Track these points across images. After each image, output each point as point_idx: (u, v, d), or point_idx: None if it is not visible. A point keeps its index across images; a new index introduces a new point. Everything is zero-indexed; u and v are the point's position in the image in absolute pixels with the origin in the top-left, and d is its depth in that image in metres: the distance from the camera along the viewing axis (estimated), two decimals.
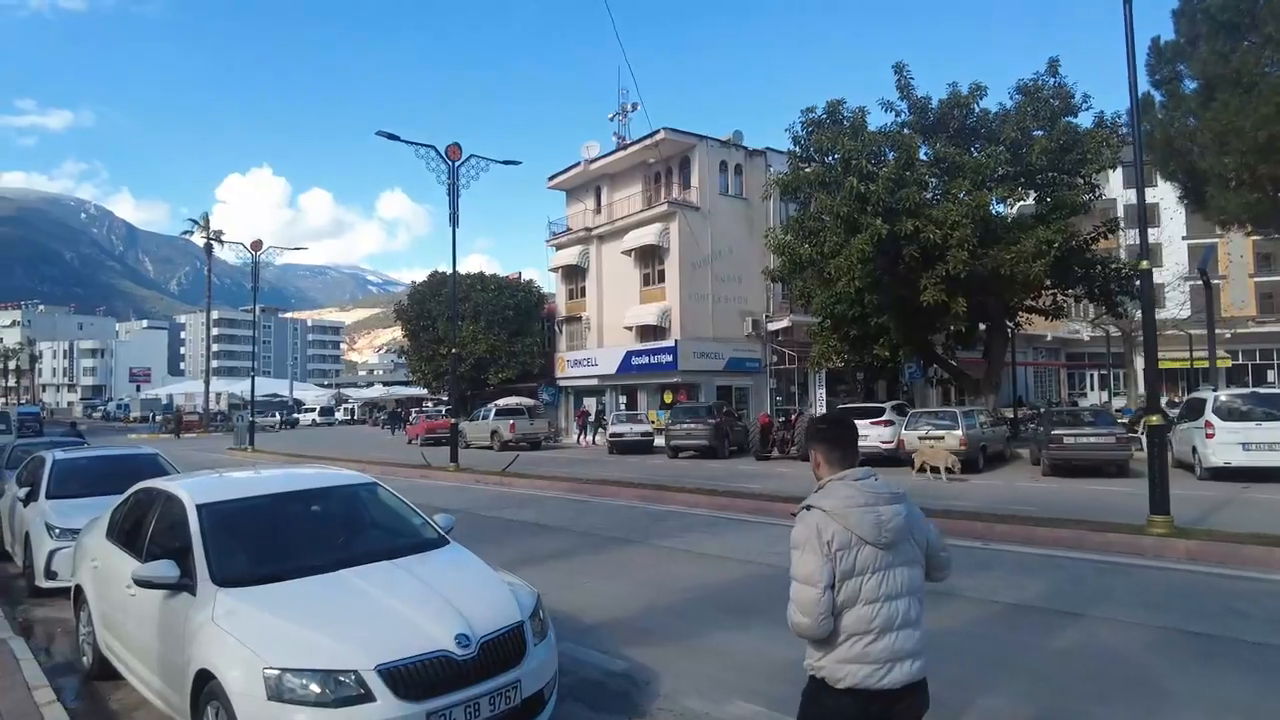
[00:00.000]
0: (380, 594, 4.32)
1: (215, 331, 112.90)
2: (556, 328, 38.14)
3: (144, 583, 4.43)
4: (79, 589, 6.06)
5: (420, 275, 40.79)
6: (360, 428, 63.07)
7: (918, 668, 2.70)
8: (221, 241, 58.33)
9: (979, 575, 8.21)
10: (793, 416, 24.44)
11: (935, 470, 17.08)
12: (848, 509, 2.67)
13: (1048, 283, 22.57)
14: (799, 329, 31.64)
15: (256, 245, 32.82)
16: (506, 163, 22.77)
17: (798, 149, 23.43)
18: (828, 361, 25.60)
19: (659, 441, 27.69)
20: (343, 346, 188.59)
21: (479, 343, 36.19)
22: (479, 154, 21.95)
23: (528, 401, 34.28)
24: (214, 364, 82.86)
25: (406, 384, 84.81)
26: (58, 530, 8.15)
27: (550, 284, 39.88)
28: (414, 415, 43.27)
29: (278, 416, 61.24)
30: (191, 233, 59.19)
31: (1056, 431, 17.64)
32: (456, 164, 21.35)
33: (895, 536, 2.69)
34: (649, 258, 33.25)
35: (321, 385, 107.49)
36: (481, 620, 4.19)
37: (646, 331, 32.69)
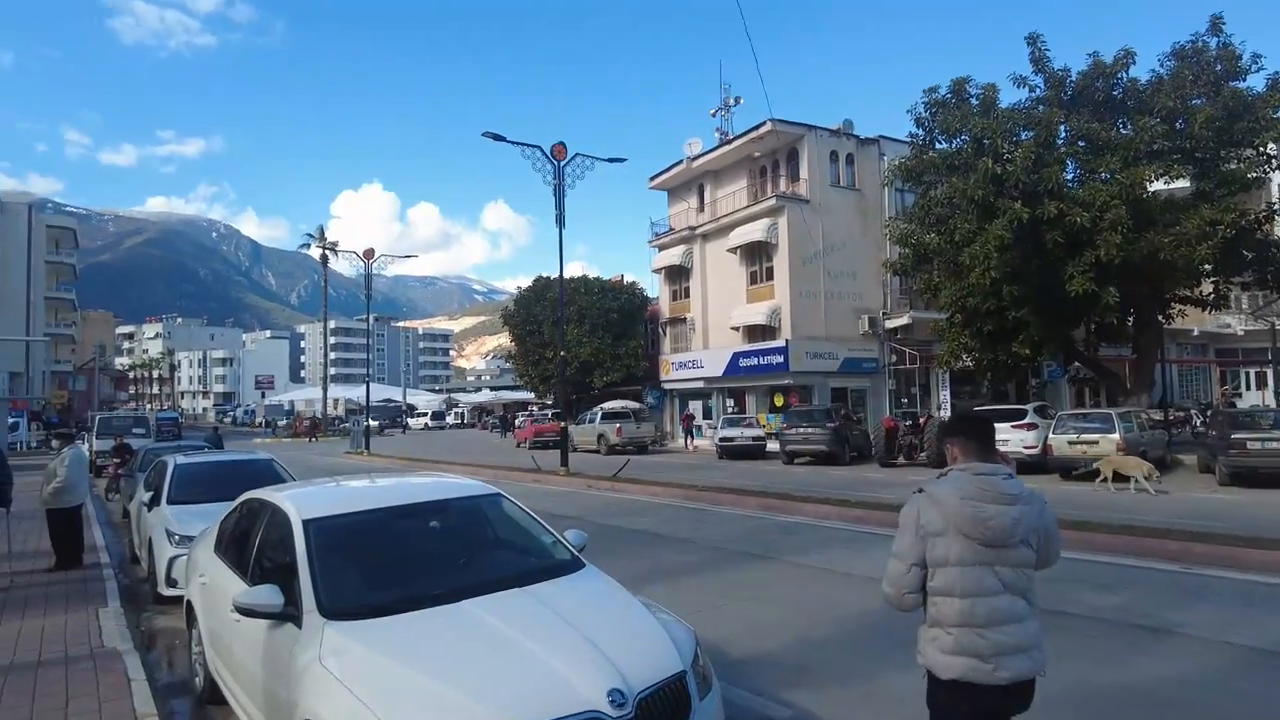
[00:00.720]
0: (514, 633, 3.57)
1: (332, 340, 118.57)
2: (660, 330, 37.45)
3: (245, 611, 3.85)
4: (189, 604, 5.65)
5: (523, 283, 40.90)
6: (470, 431, 64.40)
7: (1030, 666, 2.69)
8: (336, 252, 60.82)
9: (1195, 607, 6.89)
10: (921, 420, 22.76)
11: (1124, 480, 15.20)
12: (951, 499, 2.69)
13: (1208, 269, 20.14)
14: (920, 326, 29.78)
15: (369, 254, 33.65)
16: (612, 160, 22.24)
17: (921, 131, 21.87)
18: (956, 361, 23.79)
19: (771, 446, 26.57)
20: (451, 353, 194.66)
21: (584, 346, 35.90)
22: (584, 153, 21.51)
23: (633, 405, 33.74)
24: (331, 371, 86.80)
25: (513, 388, 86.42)
26: (177, 537, 7.93)
27: (653, 286, 39.29)
28: (521, 419, 43.52)
29: (387, 421, 63.12)
30: (309, 245, 61.94)
31: (1238, 435, 15.51)
32: (562, 164, 20.97)
33: (997, 535, 2.66)
34: (756, 255, 32.10)
35: (432, 391, 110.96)
36: (635, 670, 3.39)
37: (754, 332, 31.54)
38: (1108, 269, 18.34)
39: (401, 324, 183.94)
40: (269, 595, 3.83)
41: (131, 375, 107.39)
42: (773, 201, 30.59)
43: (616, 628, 3.78)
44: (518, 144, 20.59)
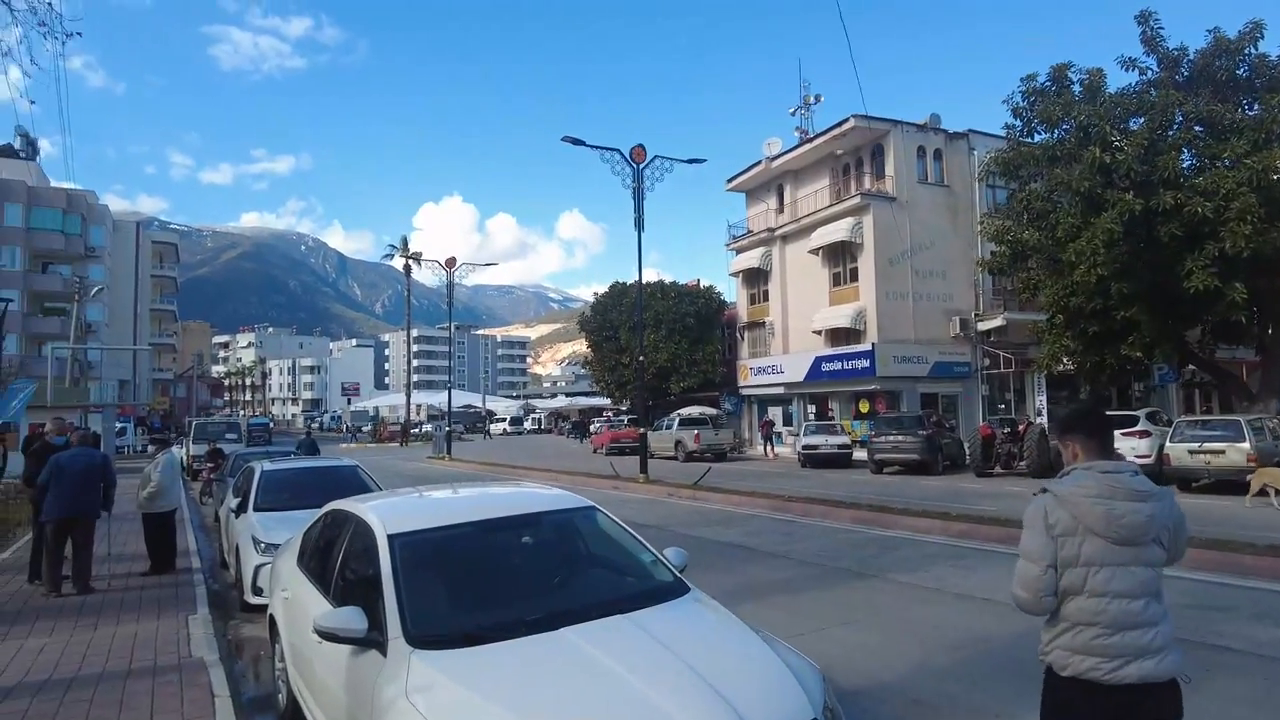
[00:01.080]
0: (620, 669, 3.13)
1: (415, 348, 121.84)
2: (738, 334, 36.74)
3: (327, 635, 3.53)
4: (272, 618, 5.44)
5: (599, 289, 40.83)
6: (546, 437, 64.91)
7: (1161, 668, 2.58)
8: (419, 262, 62.19)
9: None
10: (1021, 426, 21.44)
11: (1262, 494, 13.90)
12: (1080, 497, 2.65)
13: None
14: (1015, 328, 28.27)
15: (450, 262, 34.17)
16: (691, 161, 21.82)
17: (1018, 122, 20.65)
18: (1056, 364, 22.36)
19: (857, 455, 25.61)
20: (528, 360, 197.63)
21: (660, 351, 35.50)
22: (663, 154, 21.16)
23: (710, 411, 33.14)
24: (414, 378, 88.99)
25: (588, 394, 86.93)
26: (263, 544, 7.84)
27: (730, 290, 38.66)
28: (598, 425, 43.40)
29: (466, 427, 64.12)
30: (392, 256, 63.57)
31: None
32: (641, 166, 20.69)
33: (1129, 534, 2.61)
34: (839, 255, 31.11)
35: (510, 397, 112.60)
36: (759, 715, 2.92)
37: (838, 335, 30.54)
38: (1234, 263, 16.86)
39: (480, 332, 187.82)
40: (351, 619, 3.51)
41: (226, 382, 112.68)
42: (857, 200, 29.59)
43: (734, 665, 3.31)
44: (597, 148, 20.40)
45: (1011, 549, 10.06)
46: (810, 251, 31.61)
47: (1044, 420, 25.64)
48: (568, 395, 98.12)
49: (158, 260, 72.98)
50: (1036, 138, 20.63)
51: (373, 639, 3.46)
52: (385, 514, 4.30)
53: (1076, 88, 19.59)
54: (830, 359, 30.02)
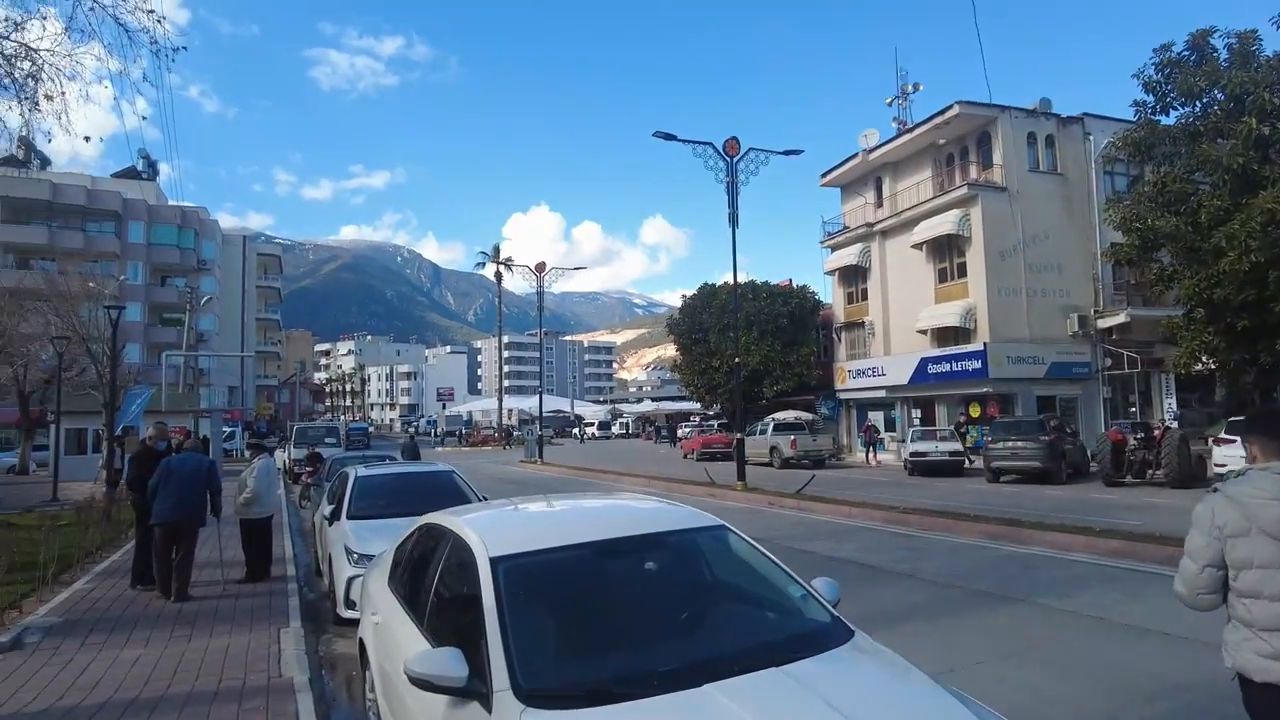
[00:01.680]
0: None
1: (505, 354, 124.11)
2: (834, 335, 35.32)
3: (420, 683, 2.90)
4: (362, 642, 4.92)
5: (686, 293, 40.11)
6: (634, 441, 64.57)
7: None
8: (510, 268, 63.01)
9: None
10: (1156, 431, 19.52)
11: None
12: (1250, 498, 2.65)
13: None
14: (1140, 325, 26.08)
15: (540, 267, 34.20)
16: (787, 153, 20.87)
17: (1150, 98, 18.82)
18: (1195, 362, 20.28)
19: (969, 462, 24.03)
20: (614, 365, 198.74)
21: (752, 354, 34.45)
22: (757, 147, 20.28)
23: (806, 416, 31.87)
24: (505, 383, 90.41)
25: (675, 399, 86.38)
26: (355, 555, 7.43)
27: (825, 289, 37.27)
28: (688, 430, 42.66)
29: (555, 431, 64.42)
30: (484, 264, 64.60)
31: None
32: (735, 160, 19.86)
33: None
34: (944, 250, 29.42)
35: (597, 401, 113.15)
36: None
37: (944, 334, 28.86)
38: None
39: (567, 338, 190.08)
40: (449, 664, 2.87)
41: (328, 388, 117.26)
42: (963, 191, 27.89)
43: None
44: (688, 142, 19.73)
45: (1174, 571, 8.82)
46: (913, 246, 30.04)
47: (1177, 424, 23.38)
48: (654, 400, 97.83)
49: (263, 272, 76.56)
50: (1171, 115, 18.78)
51: (475, 690, 2.83)
52: (486, 531, 3.68)
53: (1222, 54, 17.67)
54: (937, 360, 28.37)
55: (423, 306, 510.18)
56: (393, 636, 3.97)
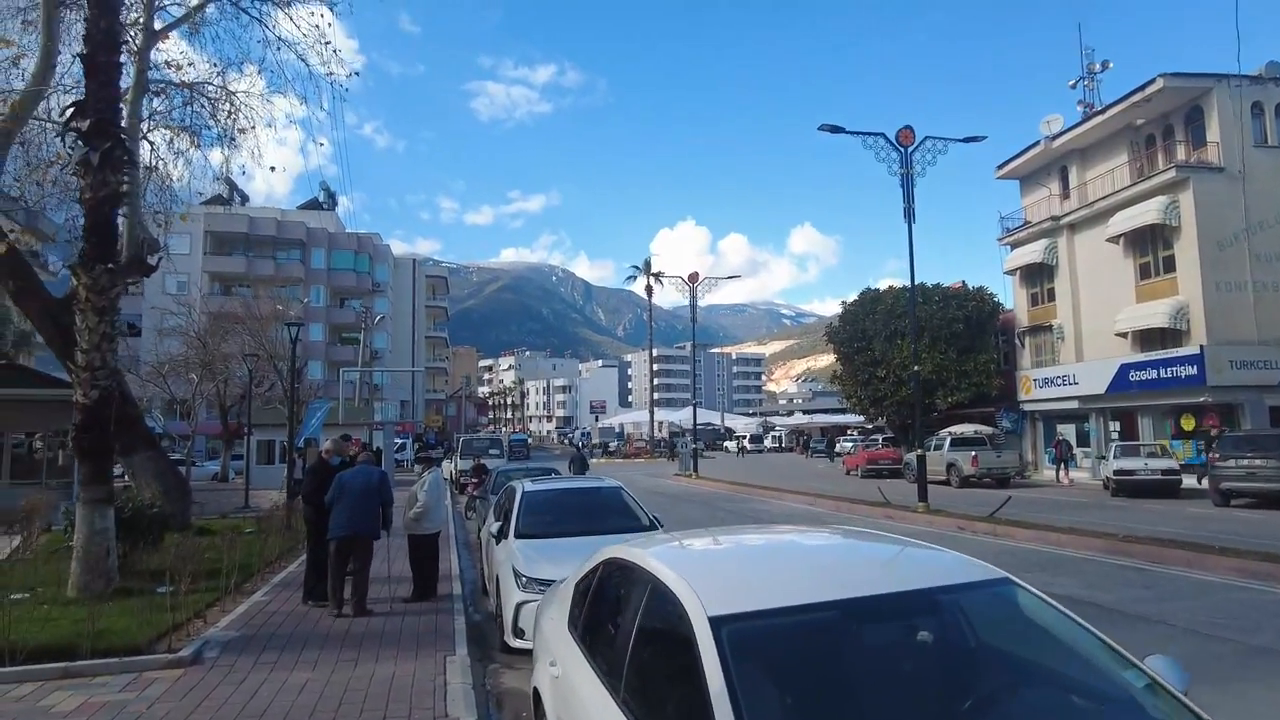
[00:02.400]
0: None
1: (655, 367, 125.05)
2: (1017, 341, 32.27)
3: None
4: (537, 693, 4.21)
5: (832, 307, 38.16)
6: (787, 456, 62.57)
7: None
8: (661, 280, 63.13)
9: None
10: None
11: None
12: None
13: None
14: None
15: (693, 277, 33.59)
16: (968, 140, 19.07)
17: None
18: None
19: (1187, 481, 20.93)
20: (763, 378, 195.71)
21: (924, 362, 31.96)
22: (934, 135, 18.62)
23: (986, 429, 29.21)
24: (654, 396, 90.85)
25: (827, 411, 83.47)
26: (524, 579, 6.86)
27: (1005, 291, 34.26)
28: (850, 444, 40.56)
29: (704, 444, 63.50)
30: (635, 278, 65.14)
31: None
32: (909, 149, 18.31)
33: None
34: (1146, 242, 26.11)
35: (746, 414, 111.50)
36: None
37: (1149, 337, 25.54)
38: None
39: (715, 350, 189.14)
40: None
41: (490, 402, 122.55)
42: (1170, 175, 24.61)
43: None
44: (857, 134, 18.38)
45: None
46: (1108, 240, 26.89)
47: None
48: (805, 413, 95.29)
49: (431, 293, 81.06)
50: None
51: None
52: (696, 577, 2.82)
53: None
54: (1141, 366, 25.12)
55: (576, 323, 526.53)
56: (579, 701, 3.21)
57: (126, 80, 15.25)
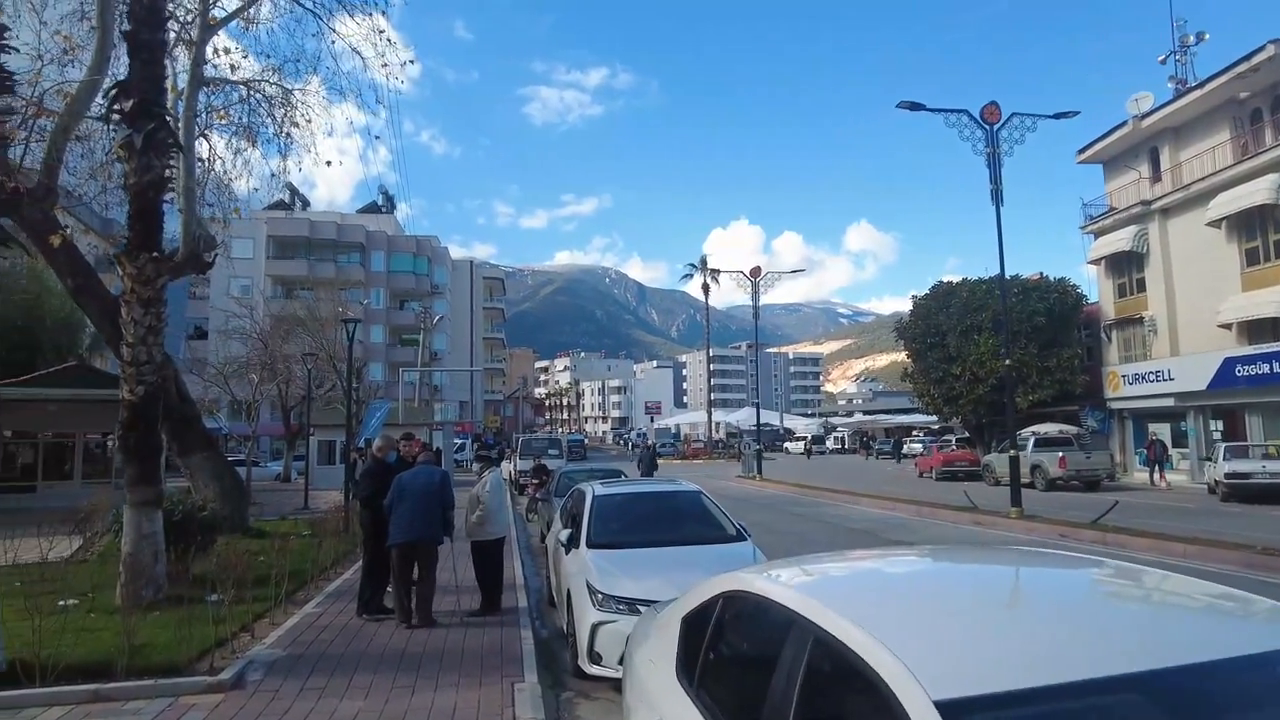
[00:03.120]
0: None
1: (711, 367, 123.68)
2: (1103, 334, 30.27)
3: None
4: None
5: (891, 305, 36.54)
6: (850, 457, 60.70)
7: None
8: (717, 278, 62.08)
9: None
10: None
11: None
12: None
13: None
14: None
15: (755, 271, 32.48)
16: (1058, 115, 17.57)
17: None
18: None
19: None
20: (820, 378, 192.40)
21: (1001, 360, 30.28)
22: (1022, 112, 17.26)
23: (1070, 429, 27.41)
24: (710, 396, 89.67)
25: (891, 412, 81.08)
26: (600, 596, 6.01)
27: (1089, 283, 32.19)
28: (919, 445, 38.91)
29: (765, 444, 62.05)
30: (691, 276, 64.14)
31: None
32: (995, 127, 17.00)
33: None
34: (1253, 225, 24.06)
35: (804, 415, 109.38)
36: None
37: (1258, 328, 23.50)
38: None
39: (771, 350, 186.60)
40: None
41: (547, 403, 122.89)
42: None
43: None
44: (939, 111, 17.13)
45: None
46: (1208, 224, 24.88)
47: None
48: (865, 413, 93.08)
49: (488, 294, 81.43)
50: None
51: None
52: (889, 633, 1.89)
53: None
54: (1250, 360, 23.11)
55: (629, 324, 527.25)
56: None
57: (183, 74, 15.07)
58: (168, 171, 8.67)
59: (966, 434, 35.65)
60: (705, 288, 61.78)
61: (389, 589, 7.86)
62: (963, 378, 31.84)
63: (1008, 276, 31.73)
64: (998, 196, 16.82)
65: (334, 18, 15.20)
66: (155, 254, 8.42)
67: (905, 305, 37.63)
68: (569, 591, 6.66)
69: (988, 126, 16.92)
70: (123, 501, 13.88)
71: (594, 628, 5.88)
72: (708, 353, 68.52)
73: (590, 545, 6.83)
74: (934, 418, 58.84)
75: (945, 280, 34.71)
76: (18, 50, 11.91)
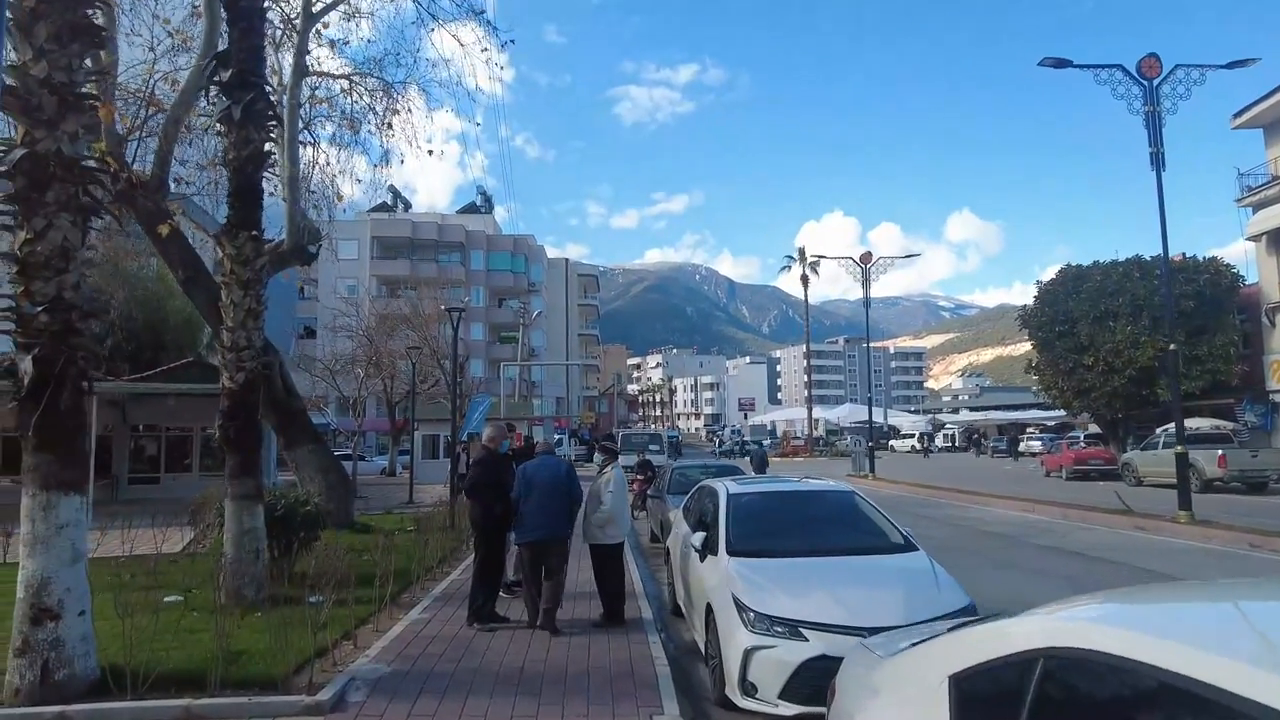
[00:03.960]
0: None
1: (806, 363, 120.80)
2: (1265, 319, 27.07)
3: None
4: None
5: (995, 297, 33.84)
6: (962, 455, 57.50)
7: None
8: (817, 270, 60.03)
9: None
10: None
11: None
12: None
13: None
14: None
15: (865, 258, 30.76)
16: (1231, 65, 15.40)
17: None
18: None
19: None
20: (923, 373, 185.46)
21: (1141, 349, 27.59)
22: (1188, 63, 15.21)
23: (1225, 424, 24.63)
24: (807, 392, 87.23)
25: (999, 408, 76.71)
26: (752, 615, 5.02)
27: (1247, 262, 28.94)
28: (1042, 443, 36.23)
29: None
30: (789, 268, 62.30)
31: None
32: (1155, 81, 15.04)
33: None
34: None
35: (908, 411, 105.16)
36: None
37: None
38: None
39: (871, 345, 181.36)
40: None
41: (640, 399, 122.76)
42: None
43: None
44: (1088, 67, 15.29)
45: None
46: None
47: None
48: (971, 409, 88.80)
49: (583, 291, 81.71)
50: None
51: None
52: None
53: None
54: None
55: (719, 321, 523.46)
56: None
57: (286, 63, 14.95)
58: (268, 145, 8.18)
59: (1098, 430, 32.83)
60: (804, 279, 59.85)
61: (504, 593, 7.12)
62: (1096, 368, 29.22)
63: (1149, 257, 29.09)
64: (1158, 160, 14.84)
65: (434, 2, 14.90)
66: (255, 233, 7.95)
67: (1010, 297, 35.41)
68: (709, 606, 5.69)
69: (1146, 82, 14.98)
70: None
71: (746, 653, 4.89)
72: (807, 346, 66.44)
73: (731, 552, 5.83)
74: (1051, 413, 55.10)
75: (1073, 264, 31.95)
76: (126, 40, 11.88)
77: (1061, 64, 15.29)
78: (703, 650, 6.03)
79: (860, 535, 6.29)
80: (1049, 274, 34.02)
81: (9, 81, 5.23)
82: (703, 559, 6.19)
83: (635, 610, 7.69)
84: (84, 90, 5.46)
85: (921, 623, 4.89)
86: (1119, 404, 29.50)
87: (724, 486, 6.95)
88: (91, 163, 5.59)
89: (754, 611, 5.01)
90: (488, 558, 7.15)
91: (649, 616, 7.48)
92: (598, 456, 8.10)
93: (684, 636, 7.24)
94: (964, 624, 5.05)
